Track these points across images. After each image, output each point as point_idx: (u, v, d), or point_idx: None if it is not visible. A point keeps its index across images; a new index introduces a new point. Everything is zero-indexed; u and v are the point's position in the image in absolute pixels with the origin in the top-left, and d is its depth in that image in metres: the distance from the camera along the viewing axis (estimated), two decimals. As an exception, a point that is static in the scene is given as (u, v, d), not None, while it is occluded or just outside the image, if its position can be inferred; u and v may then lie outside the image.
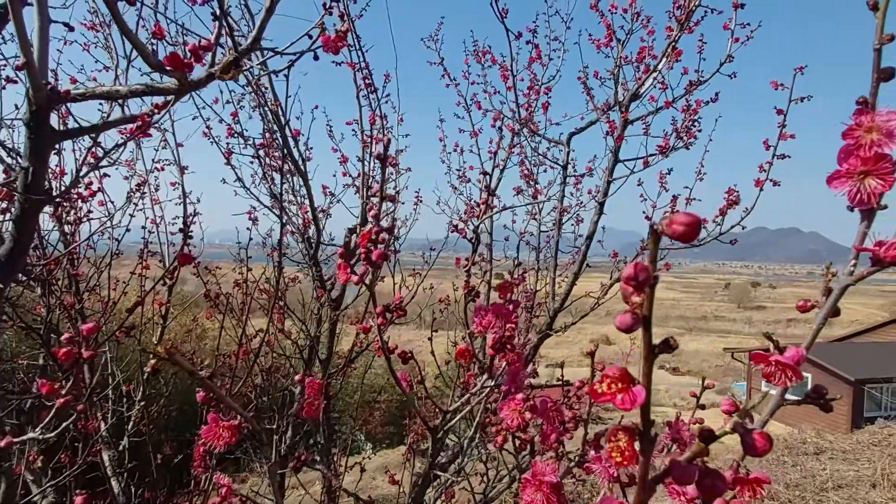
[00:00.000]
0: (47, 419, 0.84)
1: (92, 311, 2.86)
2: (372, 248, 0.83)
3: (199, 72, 1.06)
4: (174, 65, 0.88)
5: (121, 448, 2.90)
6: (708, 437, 0.40)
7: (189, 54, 0.90)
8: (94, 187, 2.37)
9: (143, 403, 2.55)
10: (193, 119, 3.01)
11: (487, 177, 2.30)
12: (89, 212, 2.51)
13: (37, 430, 0.90)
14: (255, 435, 0.82)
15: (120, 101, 1.12)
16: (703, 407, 0.93)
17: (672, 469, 0.40)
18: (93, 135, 1.16)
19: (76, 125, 1.13)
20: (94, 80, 2.88)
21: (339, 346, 3.66)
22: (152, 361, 0.58)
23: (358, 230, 3.09)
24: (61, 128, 2.12)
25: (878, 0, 0.45)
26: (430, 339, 1.74)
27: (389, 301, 1.00)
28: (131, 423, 2.89)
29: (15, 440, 0.89)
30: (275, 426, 3.04)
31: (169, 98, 1.12)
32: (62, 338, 0.72)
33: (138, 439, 2.91)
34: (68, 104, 1.07)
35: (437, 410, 1.04)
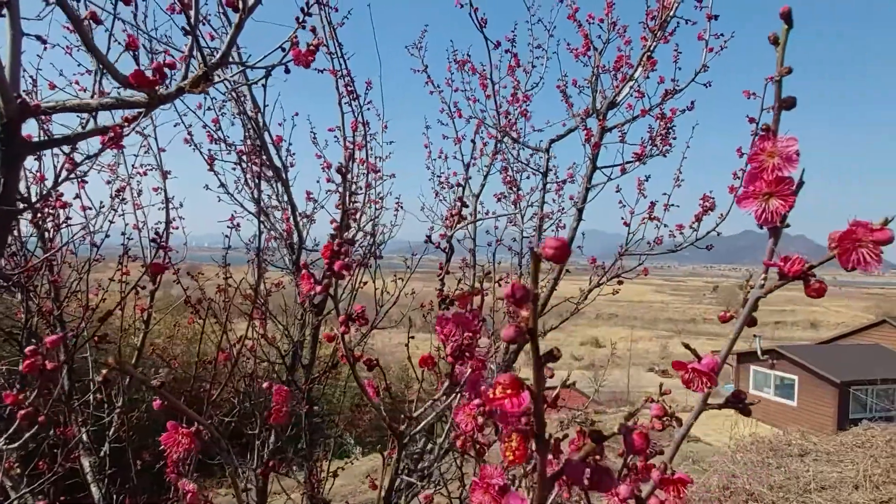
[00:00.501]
0: (11, 430, 0.85)
1: (73, 316, 2.86)
2: (334, 259, 0.86)
3: (169, 86, 1.09)
4: (139, 82, 0.90)
5: (101, 454, 2.89)
6: (597, 437, 0.43)
7: (154, 72, 0.92)
8: (66, 198, 2.38)
9: (121, 409, 2.54)
10: (175, 126, 3.03)
11: (460, 188, 2.34)
12: (68, 218, 2.51)
13: (1, 439, 0.91)
14: (216, 442, 0.84)
15: (91, 113, 1.14)
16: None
17: (565, 467, 0.44)
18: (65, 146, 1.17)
19: (47, 137, 1.15)
20: (77, 83, 2.89)
21: (322, 350, 3.67)
22: (103, 372, 0.60)
23: (340, 235, 3.11)
24: (41, 135, 2.13)
25: (777, 35, 0.49)
26: (406, 345, 1.76)
27: (363, 307, 1.03)
28: (112, 429, 2.89)
29: None
30: (257, 431, 3.06)
31: (140, 111, 1.15)
32: (26, 350, 0.74)
33: (119, 445, 2.90)
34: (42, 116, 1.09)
35: (403, 417, 1.07)
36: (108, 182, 3.16)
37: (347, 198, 0.91)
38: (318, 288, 0.87)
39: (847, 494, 7.90)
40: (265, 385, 1.07)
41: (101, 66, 1.02)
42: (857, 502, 7.63)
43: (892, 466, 7.81)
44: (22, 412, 0.77)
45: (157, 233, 1.26)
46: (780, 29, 0.49)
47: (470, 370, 1.02)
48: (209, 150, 3.09)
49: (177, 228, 3.09)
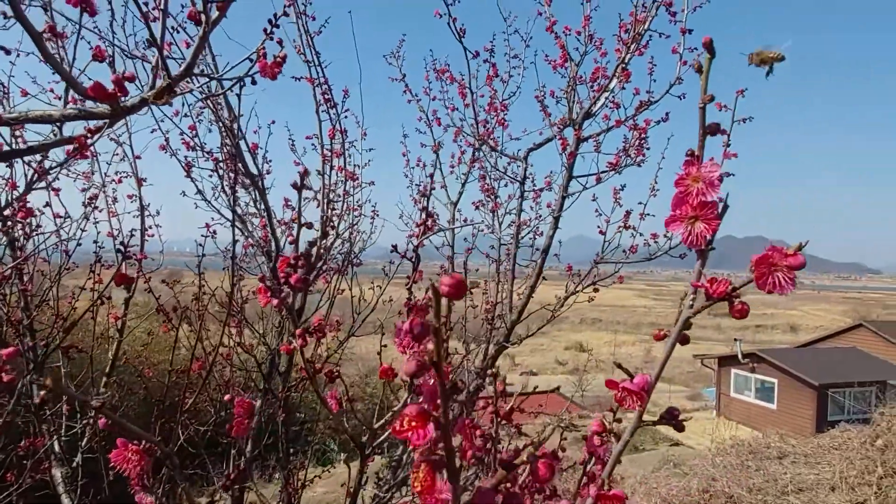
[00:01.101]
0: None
1: (44, 325, 2.82)
2: (291, 272, 0.86)
3: (133, 97, 1.09)
4: (98, 95, 0.90)
5: (74, 464, 2.85)
6: (508, 465, 0.45)
7: (113, 85, 0.93)
8: (36, 206, 2.35)
9: (93, 419, 2.51)
10: (152, 132, 3.00)
11: (425, 199, 2.36)
12: (38, 225, 2.48)
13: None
14: (168, 457, 0.84)
15: (56, 124, 1.14)
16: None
17: (477, 495, 0.45)
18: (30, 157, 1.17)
19: (9, 147, 1.14)
20: (52, 90, 2.86)
21: (299, 357, 3.66)
22: (41, 394, 0.60)
23: (319, 243, 3.10)
24: (13, 144, 2.10)
25: (701, 64, 0.51)
26: (378, 353, 1.77)
27: (320, 319, 1.03)
28: (84, 440, 2.85)
29: None
30: (232, 440, 3.03)
31: (104, 122, 1.14)
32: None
33: (92, 455, 2.86)
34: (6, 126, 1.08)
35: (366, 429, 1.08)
36: (83, 189, 3.13)
37: (301, 213, 0.91)
38: (275, 301, 0.88)
39: (824, 496, 8.02)
40: (226, 398, 1.07)
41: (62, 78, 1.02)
42: (833, 504, 7.74)
43: (866, 468, 7.95)
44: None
45: (122, 243, 1.25)
46: (704, 58, 0.51)
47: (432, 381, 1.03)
48: (186, 156, 3.07)
49: (152, 236, 3.07)
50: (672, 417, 0.57)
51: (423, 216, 1.94)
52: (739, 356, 21.78)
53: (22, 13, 0.82)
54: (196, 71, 1.19)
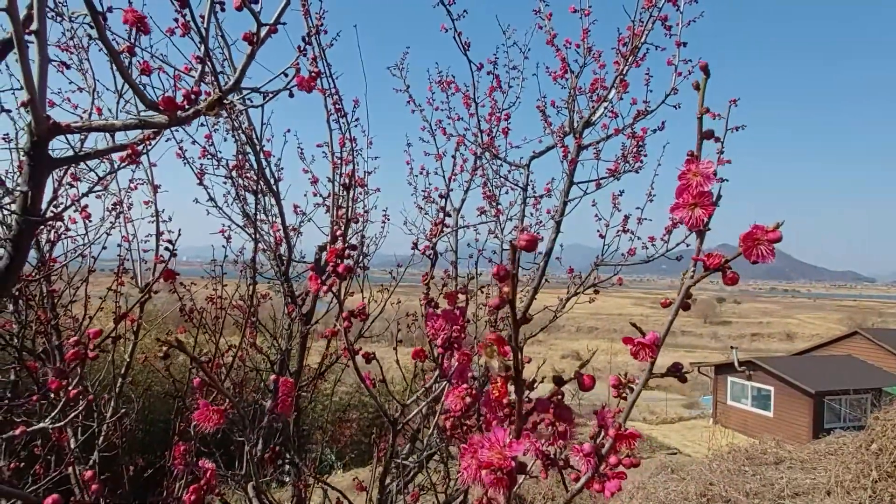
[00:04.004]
0: (56, 410, 0.95)
1: (66, 327, 2.92)
2: (339, 262, 0.98)
3: (187, 109, 1.21)
4: (168, 107, 1.02)
5: (91, 462, 2.93)
6: (558, 380, 0.56)
7: (182, 98, 1.05)
8: (82, 209, 2.47)
9: (114, 416, 2.61)
10: (167, 140, 3.13)
11: (443, 199, 2.49)
12: (67, 229, 2.59)
13: (46, 420, 1.01)
14: (241, 419, 0.95)
15: (113, 133, 1.26)
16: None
17: (537, 404, 0.57)
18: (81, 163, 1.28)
19: (73, 153, 1.25)
20: (68, 100, 2.98)
21: (308, 360, 3.76)
22: (164, 348, 0.71)
23: (328, 248, 3.22)
24: (72, 152, 2.22)
25: (699, 83, 0.63)
26: (394, 348, 1.88)
27: (363, 304, 1.15)
28: (102, 438, 2.94)
29: (28, 430, 1.00)
30: (245, 439, 3.13)
31: (156, 131, 1.26)
32: (70, 341, 0.85)
33: (108, 454, 2.95)
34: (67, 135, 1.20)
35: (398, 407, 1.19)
36: (99, 197, 3.25)
37: (349, 210, 1.03)
38: (324, 288, 0.99)
39: (820, 500, 8.12)
40: (272, 378, 1.18)
41: (126, 90, 1.14)
42: (829, 507, 7.84)
43: (861, 472, 8.06)
44: (73, 392, 0.87)
45: (169, 241, 1.36)
46: (701, 78, 0.63)
47: (457, 361, 1.15)
48: (201, 164, 3.19)
49: (168, 241, 3.18)
50: (677, 370, 0.69)
51: (441, 215, 2.06)
52: (736, 364, 21.89)
53: (104, 34, 0.94)
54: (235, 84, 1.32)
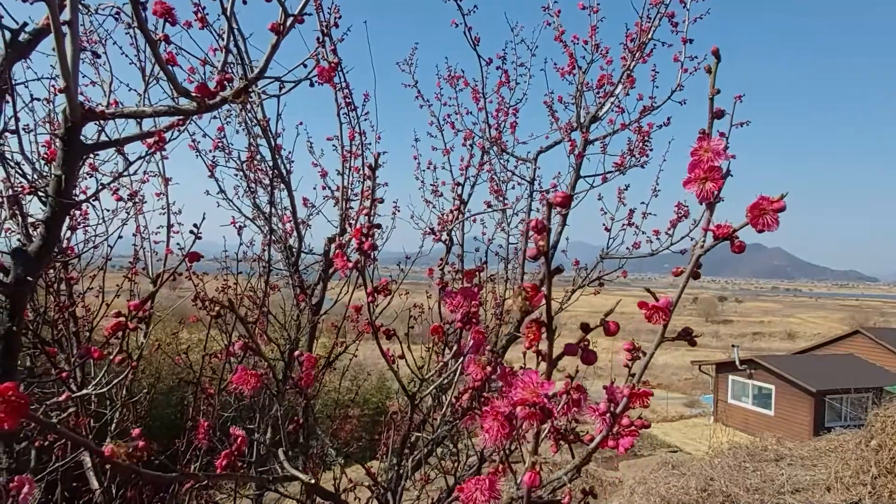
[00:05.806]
0: (98, 378, 1.01)
1: (79, 316, 2.98)
2: (364, 239, 1.03)
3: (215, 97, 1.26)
4: (202, 93, 1.07)
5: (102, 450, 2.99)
6: (585, 327, 0.62)
7: (216, 85, 1.10)
8: (114, 192, 2.53)
9: (130, 399, 2.66)
10: (180, 133, 3.18)
11: (460, 187, 2.54)
12: (86, 217, 2.65)
13: (90, 387, 1.07)
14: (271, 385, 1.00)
15: (143, 119, 1.31)
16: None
17: (565, 349, 0.62)
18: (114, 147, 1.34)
19: (106, 138, 1.31)
20: (81, 93, 3.04)
21: (316, 350, 3.82)
22: (216, 309, 0.76)
23: (337, 240, 3.28)
24: (98, 138, 2.27)
25: (710, 67, 0.68)
26: (406, 333, 1.94)
27: (387, 279, 1.21)
28: (114, 424, 2.99)
29: (74, 395, 1.05)
30: (255, 426, 3.19)
31: (184, 117, 1.31)
32: (112, 313, 0.90)
33: (122, 440, 3.00)
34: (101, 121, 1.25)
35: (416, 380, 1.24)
36: (109, 187, 3.30)
37: (374, 191, 1.08)
38: (350, 264, 1.04)
39: (820, 496, 8.17)
40: (296, 353, 1.24)
41: (161, 77, 1.19)
42: (829, 503, 7.89)
43: (861, 468, 8.10)
44: (117, 358, 0.92)
45: (195, 224, 1.41)
46: (712, 62, 0.68)
47: (472, 337, 1.21)
48: (213, 156, 3.24)
49: (177, 233, 3.24)
50: (687, 334, 0.74)
51: (458, 203, 2.11)
52: (737, 362, 21.92)
53: (144, 24, 0.99)
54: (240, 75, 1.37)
